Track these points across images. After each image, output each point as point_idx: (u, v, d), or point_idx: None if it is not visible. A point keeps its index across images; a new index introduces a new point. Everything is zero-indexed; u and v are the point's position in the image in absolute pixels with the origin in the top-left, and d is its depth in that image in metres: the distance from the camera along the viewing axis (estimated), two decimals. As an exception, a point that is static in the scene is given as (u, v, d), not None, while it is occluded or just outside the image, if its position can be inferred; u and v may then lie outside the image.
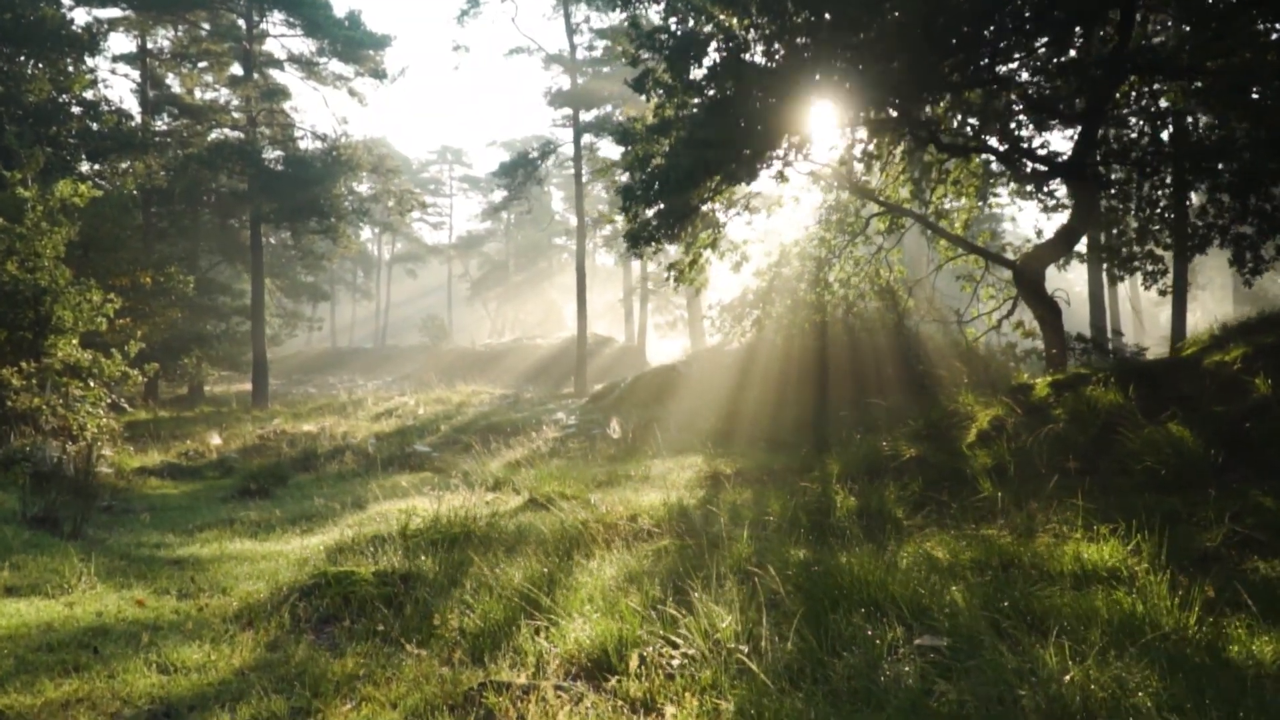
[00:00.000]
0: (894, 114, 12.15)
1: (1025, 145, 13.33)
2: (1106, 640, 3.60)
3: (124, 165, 28.56)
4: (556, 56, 40.06)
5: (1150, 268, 15.05)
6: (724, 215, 14.91)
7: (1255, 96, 11.36)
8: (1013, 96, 12.51)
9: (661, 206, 13.05)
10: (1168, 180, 13.78)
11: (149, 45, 33.89)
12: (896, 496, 7.56)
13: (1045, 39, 11.50)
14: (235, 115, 34.04)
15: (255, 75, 33.20)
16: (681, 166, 11.76)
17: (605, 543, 6.57)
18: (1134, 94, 13.53)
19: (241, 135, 32.80)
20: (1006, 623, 3.92)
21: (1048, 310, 12.64)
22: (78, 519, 8.71)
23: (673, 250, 15.94)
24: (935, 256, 17.02)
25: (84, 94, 25.72)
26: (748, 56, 11.82)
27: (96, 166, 27.84)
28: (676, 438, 14.46)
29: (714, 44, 11.61)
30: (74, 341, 15.30)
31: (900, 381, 14.23)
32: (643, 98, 12.92)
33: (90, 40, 25.12)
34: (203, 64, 34.71)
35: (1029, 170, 13.85)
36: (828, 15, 10.93)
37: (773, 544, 6.30)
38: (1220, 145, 12.02)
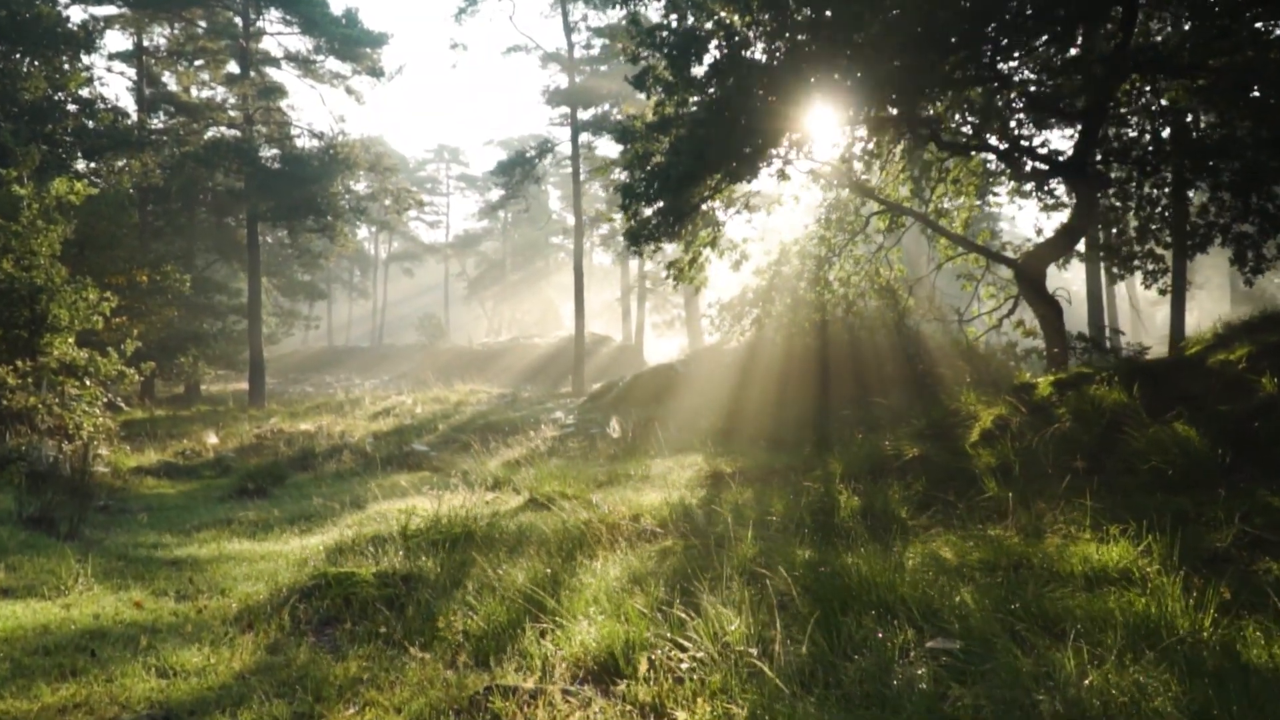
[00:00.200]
0: (894, 112, 12.10)
1: (1026, 144, 13.30)
2: (1123, 644, 3.54)
3: (120, 163, 28.43)
4: (554, 55, 39.99)
5: (1151, 267, 15.03)
6: (723, 214, 14.86)
7: (1257, 95, 11.32)
8: (1014, 95, 12.46)
9: (661, 204, 12.99)
10: (1168, 179, 13.75)
11: (145, 43, 33.76)
12: (900, 496, 7.50)
13: (1047, 36, 11.46)
14: (232, 113, 33.91)
15: (252, 73, 33.07)
16: (682, 164, 11.70)
17: (608, 543, 6.51)
18: (1135, 92, 13.50)
19: (238, 133, 32.67)
20: (1020, 625, 3.86)
21: (1049, 309, 12.60)
22: (74, 519, 8.63)
23: (670, 249, 15.89)
24: (935, 255, 16.99)
25: (80, 92, 25.59)
26: (748, 54, 11.77)
27: (92, 164, 27.71)
28: (676, 437, 14.40)
29: (715, 41, 11.55)
30: (70, 340, 15.21)
31: (901, 380, 14.19)
32: (642, 96, 12.87)
33: (86, 38, 25.00)
34: (199, 62, 34.58)
35: (1029, 169, 13.81)
36: (829, 12, 10.88)
37: (777, 544, 6.24)
38: (1222, 144, 11.98)
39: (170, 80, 35.69)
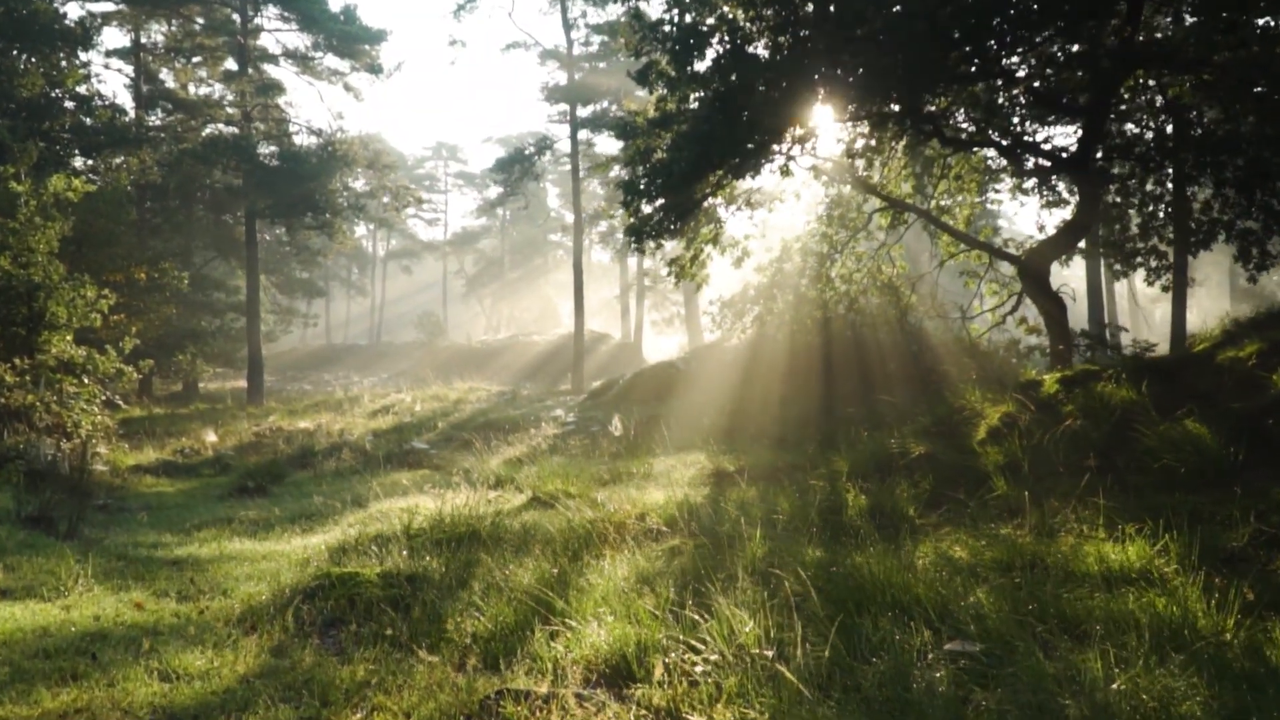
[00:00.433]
0: (896, 108, 12.03)
1: (1029, 139, 13.22)
2: (1146, 646, 3.47)
3: (118, 160, 28.31)
4: (553, 52, 39.85)
5: (1154, 264, 14.98)
6: (725, 211, 14.79)
7: (1262, 90, 11.26)
8: (1017, 90, 12.38)
9: (663, 201, 12.91)
10: (1170, 175, 13.70)
11: (143, 40, 33.62)
12: (908, 495, 7.43)
13: (1051, 31, 11.38)
14: (230, 110, 33.77)
15: (250, 70, 32.94)
16: (684, 160, 11.62)
17: (615, 542, 6.44)
18: (1138, 88, 13.43)
19: (236, 130, 32.53)
20: (1040, 627, 3.79)
21: (1054, 305, 12.53)
22: (73, 518, 8.55)
23: (670, 246, 15.82)
24: (937, 252, 16.93)
25: (77, 88, 25.46)
26: (751, 49, 11.68)
27: (90, 162, 27.58)
28: (678, 435, 14.31)
29: (717, 36, 11.46)
30: (68, 338, 15.12)
31: (904, 378, 14.12)
32: (642, 92, 12.79)
33: (83, 34, 24.86)
34: (197, 59, 34.44)
35: (1032, 165, 13.75)
36: (832, 7, 10.80)
37: (786, 543, 6.17)
38: (1227, 139, 11.91)
39: (168, 77, 35.55)
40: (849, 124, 13.39)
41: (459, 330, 74.50)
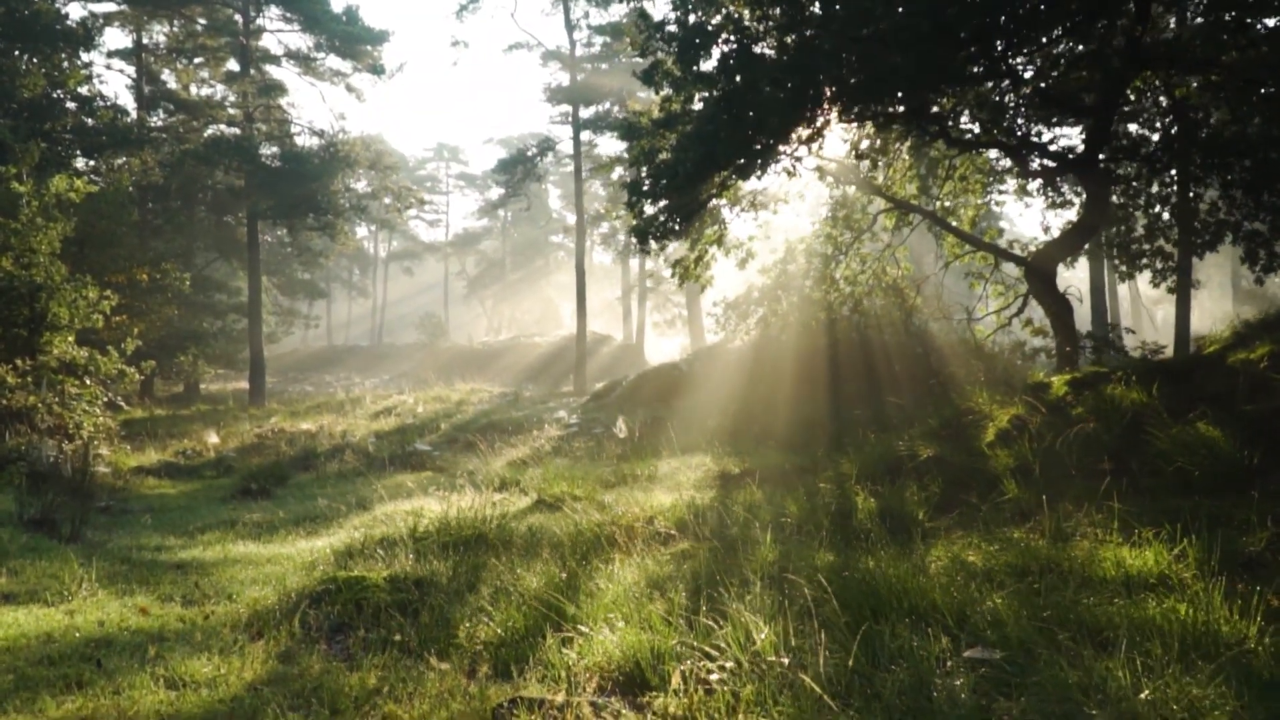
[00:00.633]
0: (903, 108, 11.97)
1: (1035, 140, 13.17)
2: (1171, 654, 3.41)
3: (119, 161, 28.28)
4: (555, 53, 39.82)
5: (1160, 265, 14.93)
6: (730, 213, 14.75)
7: (1270, 91, 11.20)
8: (1026, 90, 12.33)
9: (668, 201, 12.86)
10: (1175, 176, 13.65)
11: (144, 40, 33.59)
12: (918, 498, 7.37)
13: (1059, 31, 11.33)
14: (232, 111, 33.73)
15: (252, 71, 32.90)
16: (689, 161, 11.57)
17: (623, 546, 6.38)
18: (1144, 89, 13.38)
19: (238, 131, 32.48)
20: (1061, 634, 3.73)
21: (1060, 307, 12.48)
22: (76, 521, 8.49)
23: (671, 248, 15.76)
24: (942, 254, 16.87)
25: (79, 89, 25.44)
26: (757, 49, 11.63)
27: (92, 162, 27.55)
28: (682, 437, 14.26)
29: (724, 35, 11.41)
30: (70, 339, 15.08)
31: (910, 380, 14.05)
32: (644, 93, 12.76)
33: (85, 35, 24.84)
34: (199, 59, 34.41)
35: (1038, 166, 13.70)
36: (838, 7, 10.75)
37: (796, 547, 6.11)
38: (1234, 141, 11.86)
39: (170, 78, 35.52)
40: (855, 125, 13.34)
41: (460, 332, 74.47)
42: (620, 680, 3.84)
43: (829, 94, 11.22)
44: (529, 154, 36.51)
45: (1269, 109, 11.25)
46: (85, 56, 25.93)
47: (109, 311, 16.28)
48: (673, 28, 11.67)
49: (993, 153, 15.14)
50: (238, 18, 32.68)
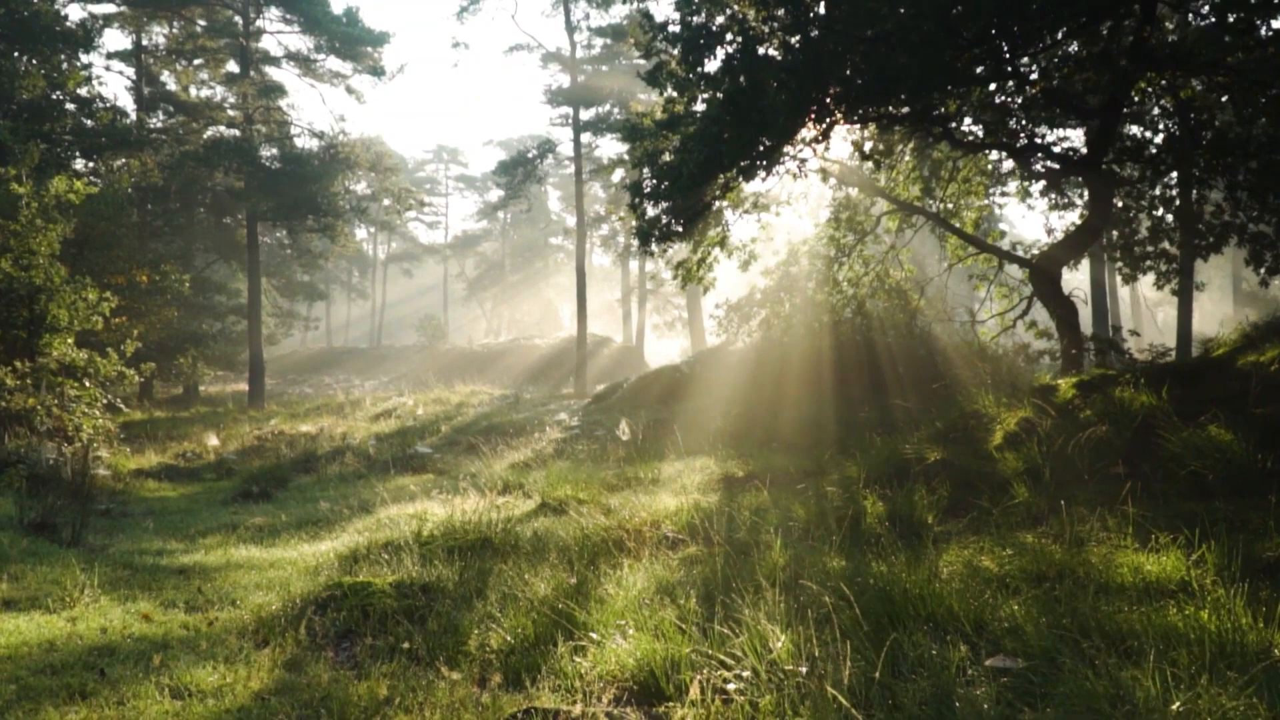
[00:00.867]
0: (908, 110, 11.92)
1: (1040, 141, 13.11)
2: (1200, 663, 3.34)
3: (119, 163, 28.21)
4: (555, 54, 39.75)
5: (1163, 268, 14.88)
6: (733, 214, 14.69)
7: (1277, 93, 11.15)
8: (1032, 91, 12.28)
9: (671, 203, 12.80)
10: (1177, 178, 13.61)
11: (144, 42, 33.53)
12: (926, 502, 7.30)
13: (1065, 31, 11.28)
14: (231, 113, 33.67)
15: (252, 72, 32.84)
16: (693, 162, 11.51)
17: (631, 551, 6.31)
18: (1149, 90, 13.33)
19: (238, 133, 32.42)
20: (1085, 643, 3.66)
21: (1066, 309, 12.42)
22: (76, 524, 8.41)
23: (672, 250, 15.70)
24: (945, 256, 16.82)
25: (78, 90, 25.35)
26: (762, 50, 11.57)
27: (91, 164, 27.47)
28: (684, 439, 14.20)
29: (729, 36, 11.35)
30: (69, 340, 14.99)
31: (914, 382, 13.98)
32: (645, 94, 12.72)
33: (85, 36, 24.78)
34: (198, 61, 34.35)
35: (1042, 168, 13.65)
36: (844, 7, 10.70)
37: (806, 552, 6.05)
38: (1239, 142, 11.82)
39: (169, 79, 35.47)
40: (859, 126, 13.29)
41: (459, 333, 74.40)
42: (635, 690, 3.77)
43: (834, 95, 11.16)
44: (529, 156, 36.42)
45: (1275, 111, 11.20)
46: (85, 58, 25.91)
47: (108, 313, 16.20)
48: (676, 28, 11.62)
49: (995, 155, 15.10)
50: (237, 19, 32.63)
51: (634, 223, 13.31)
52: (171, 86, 35.20)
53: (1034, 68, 12.75)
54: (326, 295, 62.12)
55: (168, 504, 12.39)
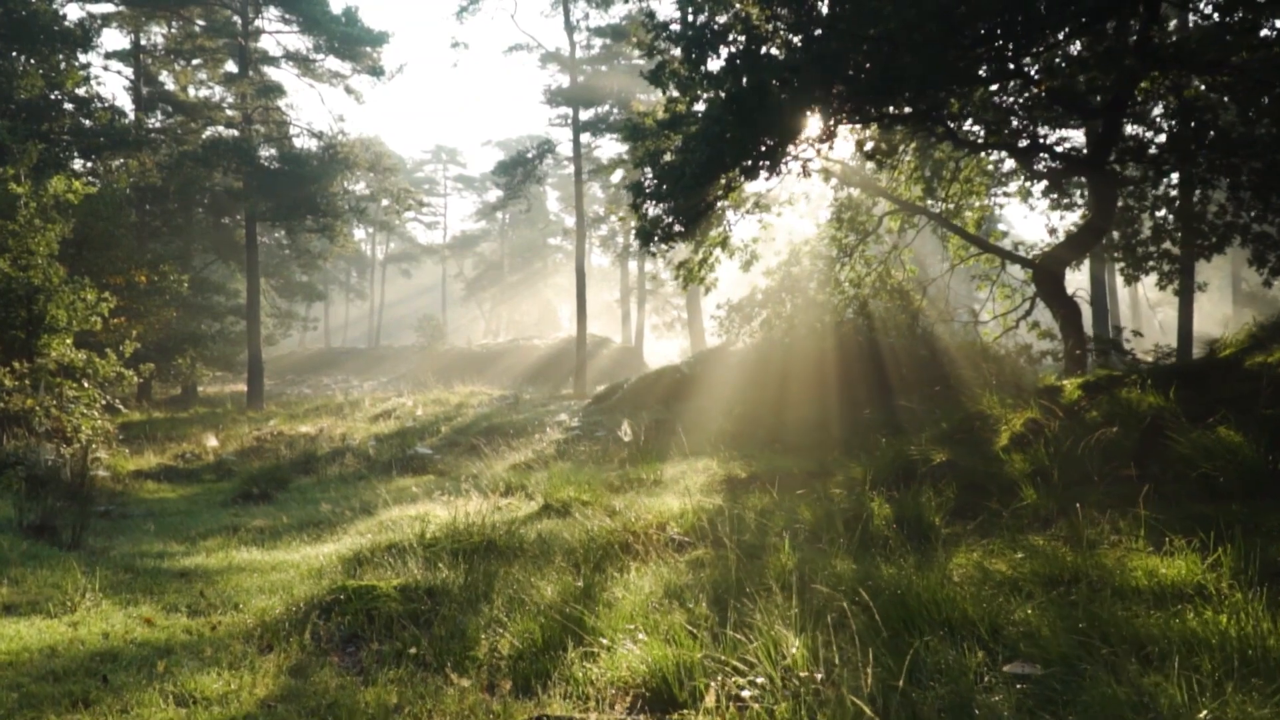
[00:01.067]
0: (910, 109, 11.88)
1: (1043, 141, 13.07)
2: (1220, 670, 3.29)
3: (117, 163, 28.11)
4: (555, 54, 39.69)
5: (1166, 268, 14.83)
6: (734, 215, 14.64)
7: (1280, 93, 11.11)
8: (1035, 91, 12.24)
9: (673, 203, 12.75)
10: (1180, 178, 13.57)
11: (143, 41, 33.45)
12: (933, 503, 7.25)
13: (1069, 30, 11.24)
14: (230, 113, 33.59)
15: (250, 72, 32.76)
16: (695, 162, 11.46)
17: (637, 553, 6.25)
18: (1152, 90, 13.29)
19: (236, 133, 32.34)
20: (1104, 649, 3.60)
21: (1069, 309, 12.38)
22: (76, 527, 8.34)
23: (673, 251, 15.65)
24: (947, 256, 16.78)
25: (77, 90, 25.28)
26: (765, 50, 11.53)
27: (89, 164, 27.39)
28: (685, 440, 14.15)
29: (732, 35, 11.30)
30: (68, 341, 14.92)
31: (917, 383, 13.94)
32: (644, 95, 12.67)
33: (83, 36, 24.69)
34: (197, 61, 34.26)
35: (1044, 168, 13.60)
36: (847, 7, 10.65)
37: (814, 554, 5.99)
38: (1243, 142, 11.78)
39: (168, 79, 35.38)
40: (861, 125, 13.24)
41: (458, 334, 74.29)
42: (647, 696, 3.71)
43: (837, 94, 11.11)
44: (528, 156, 36.35)
45: (1278, 110, 11.16)
46: (83, 57, 25.78)
47: (107, 314, 16.12)
48: (679, 27, 11.57)
49: (996, 155, 15.06)
50: (236, 19, 32.54)
51: (635, 223, 13.26)
52: (170, 86, 35.11)
53: (1037, 67, 12.71)
54: (325, 296, 62.01)
55: (167, 505, 12.32)
